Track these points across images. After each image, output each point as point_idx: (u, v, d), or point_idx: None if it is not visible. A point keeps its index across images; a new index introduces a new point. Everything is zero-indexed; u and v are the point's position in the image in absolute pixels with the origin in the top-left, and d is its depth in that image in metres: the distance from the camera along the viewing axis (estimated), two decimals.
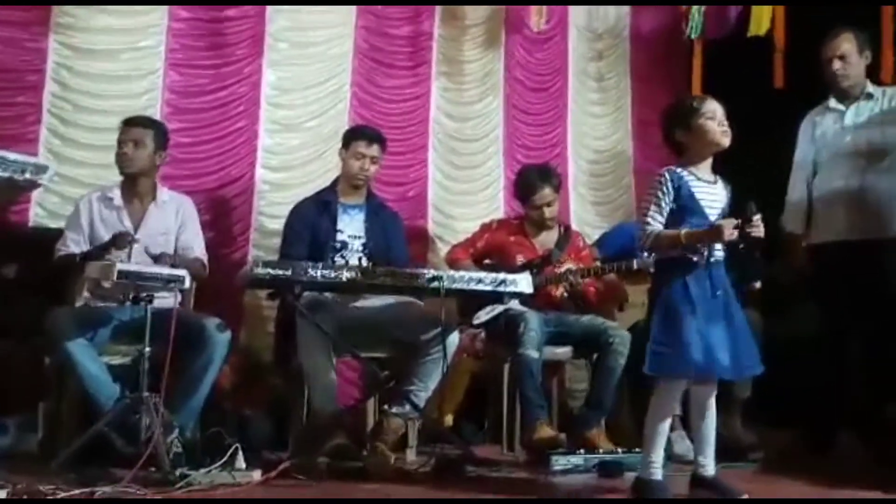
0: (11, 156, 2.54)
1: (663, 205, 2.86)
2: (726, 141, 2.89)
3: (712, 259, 2.86)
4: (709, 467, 2.92)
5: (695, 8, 5.04)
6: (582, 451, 3.55)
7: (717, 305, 2.83)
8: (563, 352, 4.10)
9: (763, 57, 4.66)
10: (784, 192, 4.11)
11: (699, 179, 2.90)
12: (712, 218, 2.86)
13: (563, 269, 4.10)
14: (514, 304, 3.88)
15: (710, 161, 2.95)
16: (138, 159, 3.69)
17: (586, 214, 5.41)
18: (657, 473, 2.86)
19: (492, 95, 5.24)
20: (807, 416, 4.06)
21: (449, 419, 4.34)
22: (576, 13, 5.48)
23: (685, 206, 2.86)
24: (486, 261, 4.24)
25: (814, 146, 3.99)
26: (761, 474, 3.50)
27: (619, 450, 3.56)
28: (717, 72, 5.01)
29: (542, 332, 3.84)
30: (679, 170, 2.90)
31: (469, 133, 5.18)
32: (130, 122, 3.76)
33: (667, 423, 2.90)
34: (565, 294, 4.13)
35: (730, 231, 2.78)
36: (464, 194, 5.13)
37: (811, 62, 3.98)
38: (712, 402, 2.92)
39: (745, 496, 2.84)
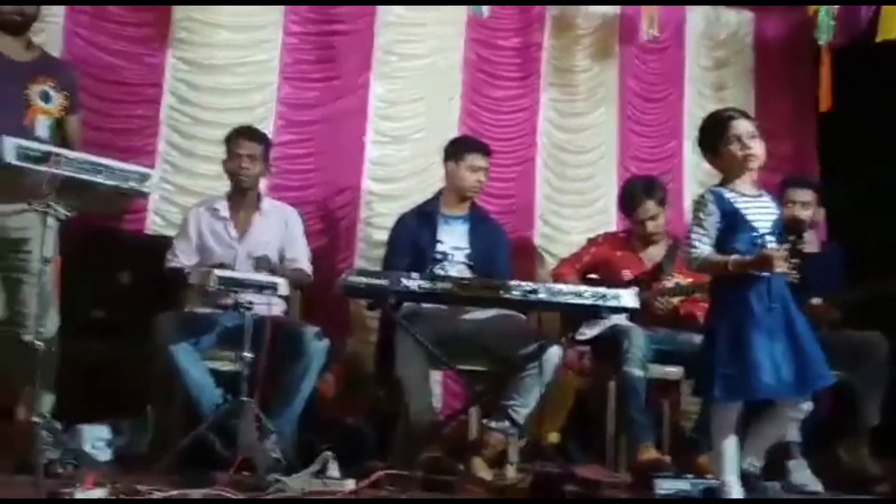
0: (115, 164, 2.61)
1: (707, 226, 2.85)
2: (751, 163, 2.86)
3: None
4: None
5: (823, 11, 4.76)
6: (690, 475, 3.38)
7: (776, 318, 2.78)
8: (675, 371, 3.92)
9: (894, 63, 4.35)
10: None
11: (742, 195, 2.87)
12: (762, 231, 2.82)
13: (671, 284, 3.93)
14: (621, 320, 3.76)
15: (750, 176, 2.90)
16: (255, 173, 3.78)
17: None
18: (733, 493, 2.79)
19: (604, 106, 5.12)
20: None
21: (555, 437, 4.24)
22: (694, 20, 5.28)
23: (733, 223, 2.84)
24: (591, 275, 4.13)
25: None
26: None
27: None
28: (846, 80, 4.72)
29: (647, 349, 3.70)
30: (720, 188, 2.88)
31: (579, 145, 5.08)
32: (246, 135, 3.80)
33: (732, 442, 2.83)
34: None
35: (780, 260, 2.71)
36: (573, 206, 5.03)
37: None
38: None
39: None
